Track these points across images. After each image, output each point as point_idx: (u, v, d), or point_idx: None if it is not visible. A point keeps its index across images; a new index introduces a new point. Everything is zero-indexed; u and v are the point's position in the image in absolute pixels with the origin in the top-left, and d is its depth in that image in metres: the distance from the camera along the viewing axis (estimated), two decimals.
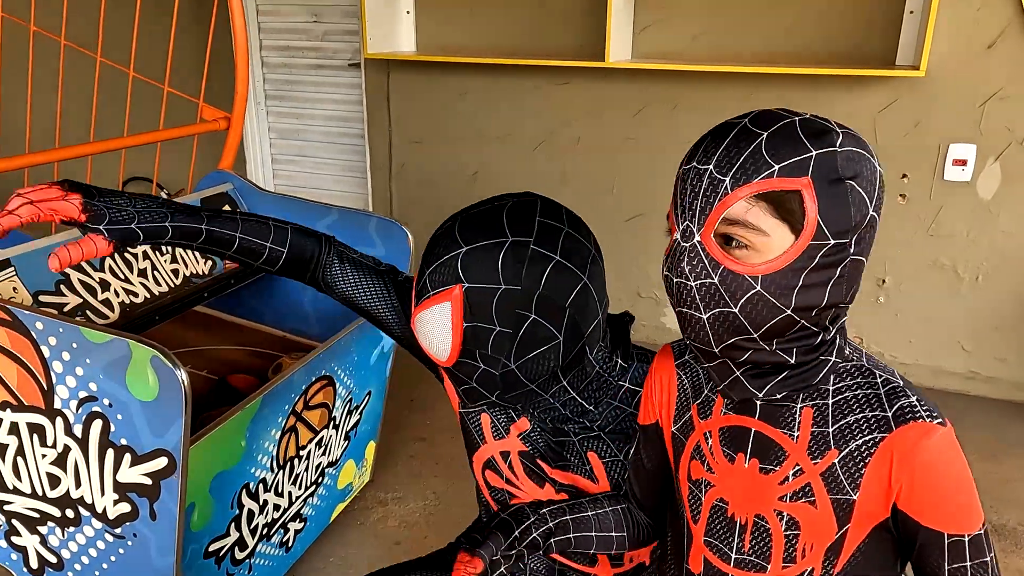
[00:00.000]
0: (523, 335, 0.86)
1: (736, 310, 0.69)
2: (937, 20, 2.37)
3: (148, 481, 1.32)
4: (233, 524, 1.54)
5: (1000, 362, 2.72)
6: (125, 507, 1.37)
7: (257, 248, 1.05)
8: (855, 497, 0.73)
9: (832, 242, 0.68)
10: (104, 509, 1.40)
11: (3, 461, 1.45)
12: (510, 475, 1.05)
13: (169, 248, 1.84)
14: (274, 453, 1.60)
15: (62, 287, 1.58)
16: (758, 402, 0.76)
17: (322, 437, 1.77)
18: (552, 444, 1.01)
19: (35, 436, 1.39)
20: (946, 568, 0.73)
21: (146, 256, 1.78)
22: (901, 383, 0.74)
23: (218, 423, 1.39)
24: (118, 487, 1.36)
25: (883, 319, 2.81)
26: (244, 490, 1.54)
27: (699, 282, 0.69)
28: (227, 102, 2.19)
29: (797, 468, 0.74)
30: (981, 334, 2.70)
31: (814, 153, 0.67)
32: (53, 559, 1.51)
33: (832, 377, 0.75)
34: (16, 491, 1.47)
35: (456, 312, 0.86)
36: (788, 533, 0.76)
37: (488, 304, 0.85)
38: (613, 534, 0.97)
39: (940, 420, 0.71)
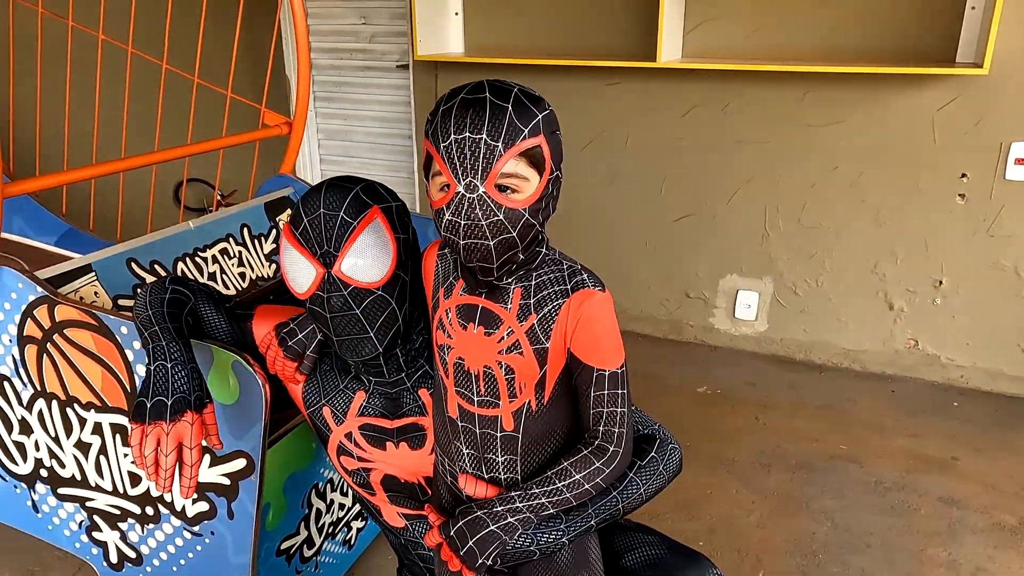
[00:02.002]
0: (412, 237, 1.14)
1: (515, 235, 0.95)
2: (1001, 16, 2.32)
3: (227, 481, 1.36)
4: (303, 523, 1.58)
5: None
6: (203, 506, 1.42)
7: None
8: (547, 345, 1.02)
9: (556, 173, 0.97)
10: (183, 507, 1.44)
11: (86, 459, 1.50)
12: (358, 451, 1.25)
13: (236, 252, 1.89)
14: None
15: (139, 291, 1.63)
16: (486, 286, 1.02)
17: None
18: (389, 398, 1.21)
19: (117, 436, 1.44)
20: (592, 394, 1.02)
21: (215, 260, 1.83)
22: (579, 267, 1.03)
23: (292, 425, 1.43)
24: (197, 487, 1.40)
25: (940, 321, 2.76)
26: (313, 490, 1.57)
27: (488, 220, 0.93)
28: (275, 104, 2.23)
29: (510, 330, 1.02)
30: None
31: (540, 116, 0.94)
32: (132, 554, 1.56)
33: (538, 265, 1.03)
34: (98, 488, 1.52)
35: (386, 226, 1.09)
36: (508, 377, 1.04)
37: (394, 218, 1.11)
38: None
39: (601, 288, 1.01)
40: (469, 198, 0.92)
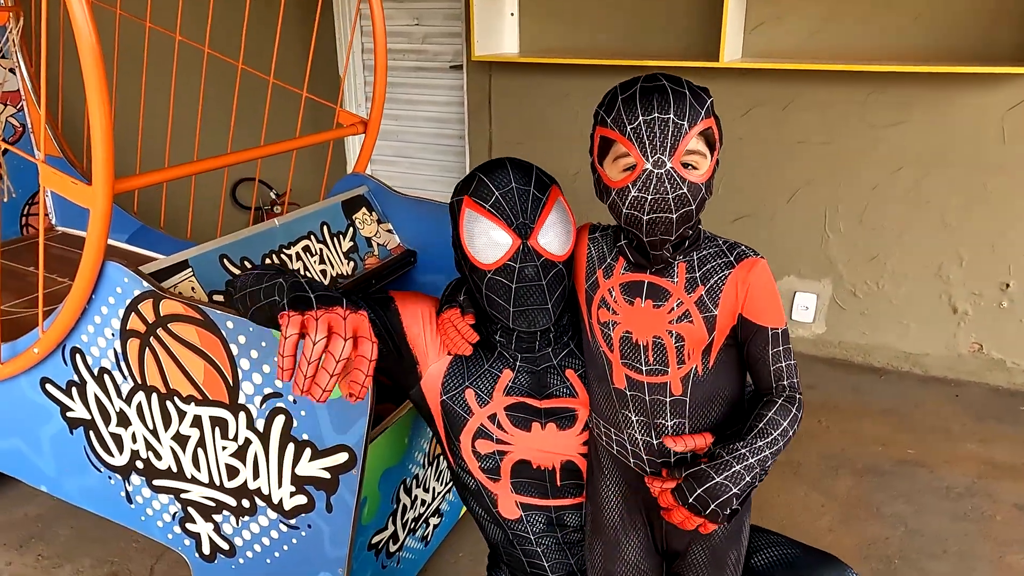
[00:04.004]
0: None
1: (694, 207, 1.03)
2: None
3: (327, 475, 1.38)
4: (391, 518, 1.59)
5: None
6: (301, 499, 1.43)
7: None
8: (716, 312, 1.10)
9: (718, 150, 1.07)
10: (280, 500, 1.46)
11: (184, 452, 1.53)
12: (500, 433, 1.25)
13: (317, 250, 1.91)
14: (427, 450, 1.64)
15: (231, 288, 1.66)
16: (659, 261, 1.10)
17: None
18: (537, 377, 1.23)
19: (217, 429, 1.47)
20: (770, 351, 1.11)
21: (298, 257, 1.85)
22: (732, 240, 1.13)
23: (390, 421, 1.44)
24: (296, 480, 1.42)
25: (1007, 324, 2.71)
26: (402, 485, 1.59)
27: (675, 194, 1.01)
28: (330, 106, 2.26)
29: (679, 301, 1.11)
30: None
31: (709, 101, 1.04)
32: (225, 546, 1.59)
33: (699, 243, 1.12)
34: (194, 480, 1.55)
35: (567, 205, 1.18)
36: (677, 345, 1.12)
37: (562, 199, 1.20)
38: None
39: (761, 256, 1.12)
40: (657, 173, 1.00)
